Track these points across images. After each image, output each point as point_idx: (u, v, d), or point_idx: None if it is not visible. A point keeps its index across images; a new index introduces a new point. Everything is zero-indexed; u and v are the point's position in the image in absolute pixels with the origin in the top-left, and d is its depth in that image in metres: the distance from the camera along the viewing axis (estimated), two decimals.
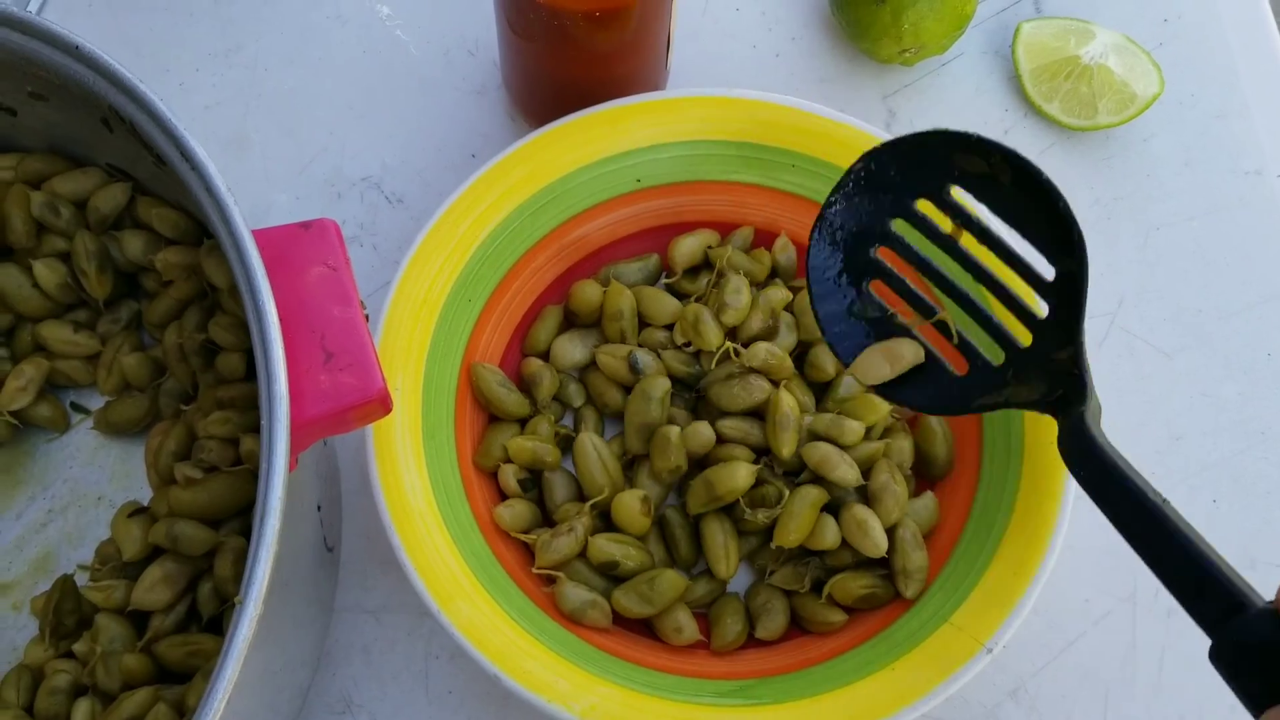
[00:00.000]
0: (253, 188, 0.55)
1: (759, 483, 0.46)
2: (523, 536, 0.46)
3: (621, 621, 0.45)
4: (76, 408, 0.51)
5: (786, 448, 0.45)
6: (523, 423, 0.48)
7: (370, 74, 0.58)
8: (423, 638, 0.47)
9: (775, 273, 0.51)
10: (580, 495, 0.47)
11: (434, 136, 0.56)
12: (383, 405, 0.39)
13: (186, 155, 0.41)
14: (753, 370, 0.47)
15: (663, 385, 0.46)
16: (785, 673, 0.43)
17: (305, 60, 0.58)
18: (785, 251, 0.51)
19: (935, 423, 0.48)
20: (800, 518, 0.44)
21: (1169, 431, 0.52)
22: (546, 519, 0.47)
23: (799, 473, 0.47)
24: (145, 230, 0.50)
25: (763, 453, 0.47)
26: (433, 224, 0.47)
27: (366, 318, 0.41)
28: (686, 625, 0.45)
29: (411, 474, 0.44)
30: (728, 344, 0.48)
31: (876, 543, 0.44)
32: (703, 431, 0.46)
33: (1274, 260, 0.54)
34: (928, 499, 0.47)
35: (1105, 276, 0.54)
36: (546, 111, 0.52)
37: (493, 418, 0.48)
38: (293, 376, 0.39)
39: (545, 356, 0.50)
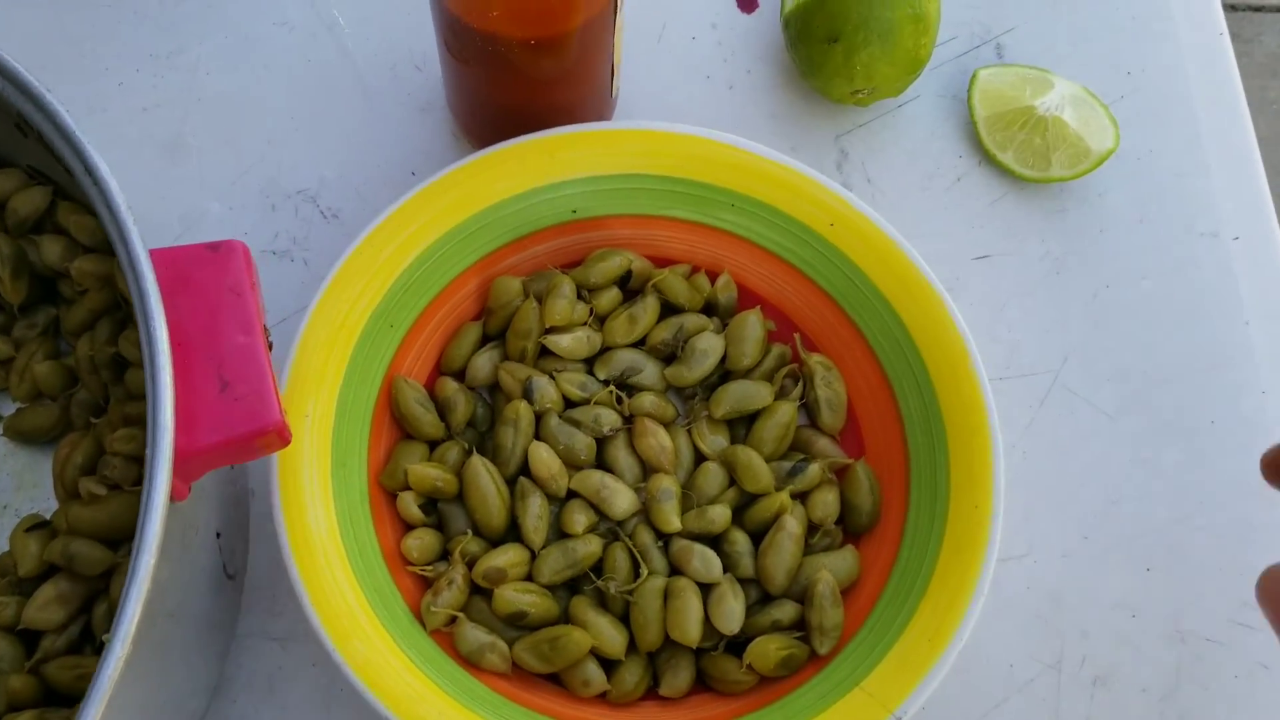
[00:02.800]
0: (186, 195, 0.54)
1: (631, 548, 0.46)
2: (425, 571, 0.44)
3: None
4: None
5: (667, 524, 0.44)
6: (434, 445, 0.47)
7: (314, 84, 0.56)
8: (328, 669, 0.46)
9: (714, 310, 0.50)
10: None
11: (375, 152, 0.55)
12: (280, 437, 0.38)
13: (89, 169, 0.39)
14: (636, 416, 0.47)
15: (526, 415, 0.46)
16: None
17: (249, 66, 0.56)
18: (727, 291, 0.50)
19: (862, 473, 0.47)
20: (648, 611, 0.44)
21: (1106, 495, 0.51)
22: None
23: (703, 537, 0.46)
24: (64, 236, 0.48)
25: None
26: (354, 247, 0.46)
27: (270, 345, 0.40)
28: (594, 679, 0.43)
29: (316, 504, 0.43)
30: (613, 389, 0.47)
31: (727, 619, 0.43)
32: (546, 459, 0.46)
33: (1225, 325, 0.53)
34: (848, 553, 0.45)
35: (1051, 333, 0.53)
36: (488, 134, 0.51)
37: (407, 436, 0.47)
38: (185, 404, 0.37)
39: (462, 376, 0.48)
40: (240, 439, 0.37)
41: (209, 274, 0.40)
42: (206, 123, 0.55)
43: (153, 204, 0.54)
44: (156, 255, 0.40)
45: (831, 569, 0.45)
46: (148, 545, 0.34)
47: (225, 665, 0.46)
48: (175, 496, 0.38)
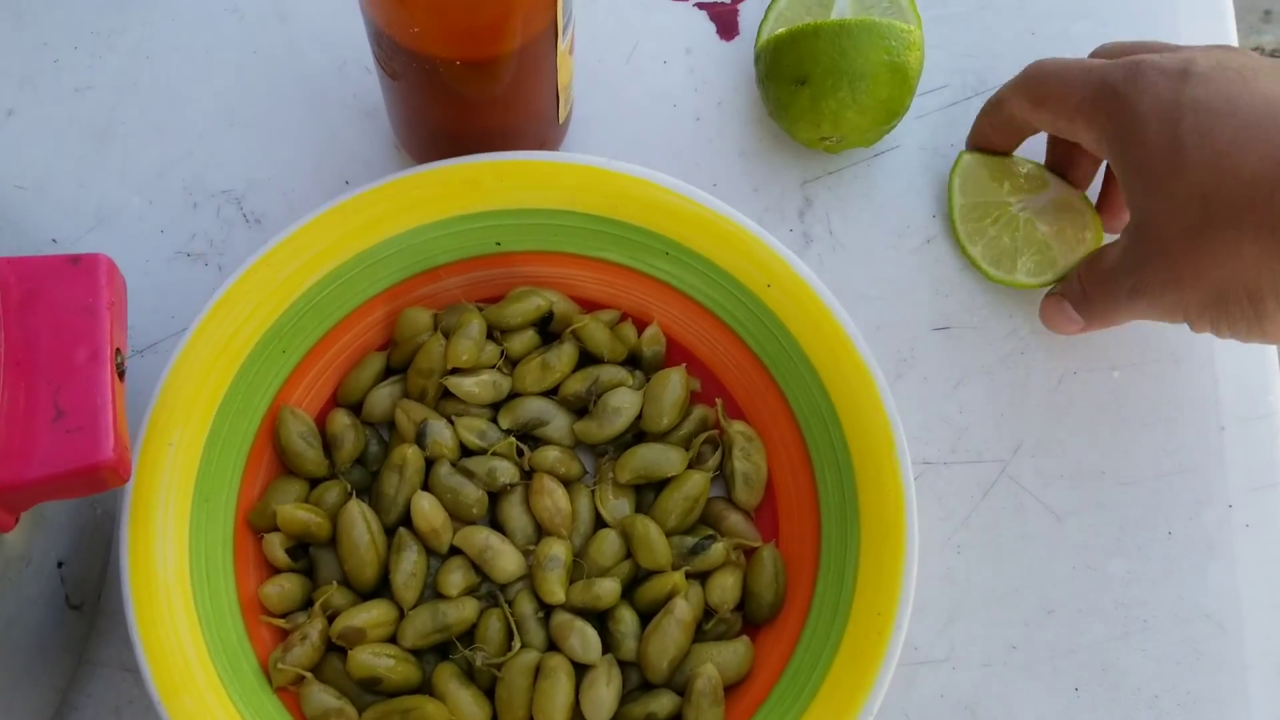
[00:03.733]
0: (106, 185, 0.51)
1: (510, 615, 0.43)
2: (281, 623, 0.42)
3: None
4: None
5: (550, 594, 0.41)
6: (316, 483, 0.44)
7: (257, 78, 0.53)
8: None
9: (638, 363, 0.47)
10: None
11: (311, 155, 0.52)
12: (116, 474, 0.35)
13: None
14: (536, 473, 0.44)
15: (414, 461, 0.43)
16: None
17: (191, 52, 0.54)
18: (654, 344, 0.47)
19: (769, 559, 0.43)
20: (514, 689, 0.40)
21: (1042, 603, 0.47)
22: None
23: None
24: None
25: None
26: (251, 264, 0.43)
27: (122, 373, 0.37)
28: None
29: (168, 541, 0.40)
30: (514, 440, 0.44)
31: (596, 708, 0.40)
32: (428, 512, 0.43)
33: (1197, 429, 0.49)
34: (740, 645, 0.42)
35: (1005, 418, 0.49)
36: (425, 150, 0.48)
37: (288, 471, 0.44)
38: (16, 432, 0.35)
39: (359, 409, 0.45)
40: (71, 473, 0.35)
41: (65, 290, 0.37)
42: (139, 109, 0.53)
43: (70, 192, 0.51)
44: (8, 263, 0.37)
45: (719, 662, 0.41)
46: None
47: (72, 694, 0.43)
48: (0, 528, 0.36)
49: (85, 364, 0.36)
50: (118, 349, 0.37)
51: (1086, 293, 0.46)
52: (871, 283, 0.51)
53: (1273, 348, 0.51)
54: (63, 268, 0.37)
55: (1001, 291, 0.51)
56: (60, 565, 0.40)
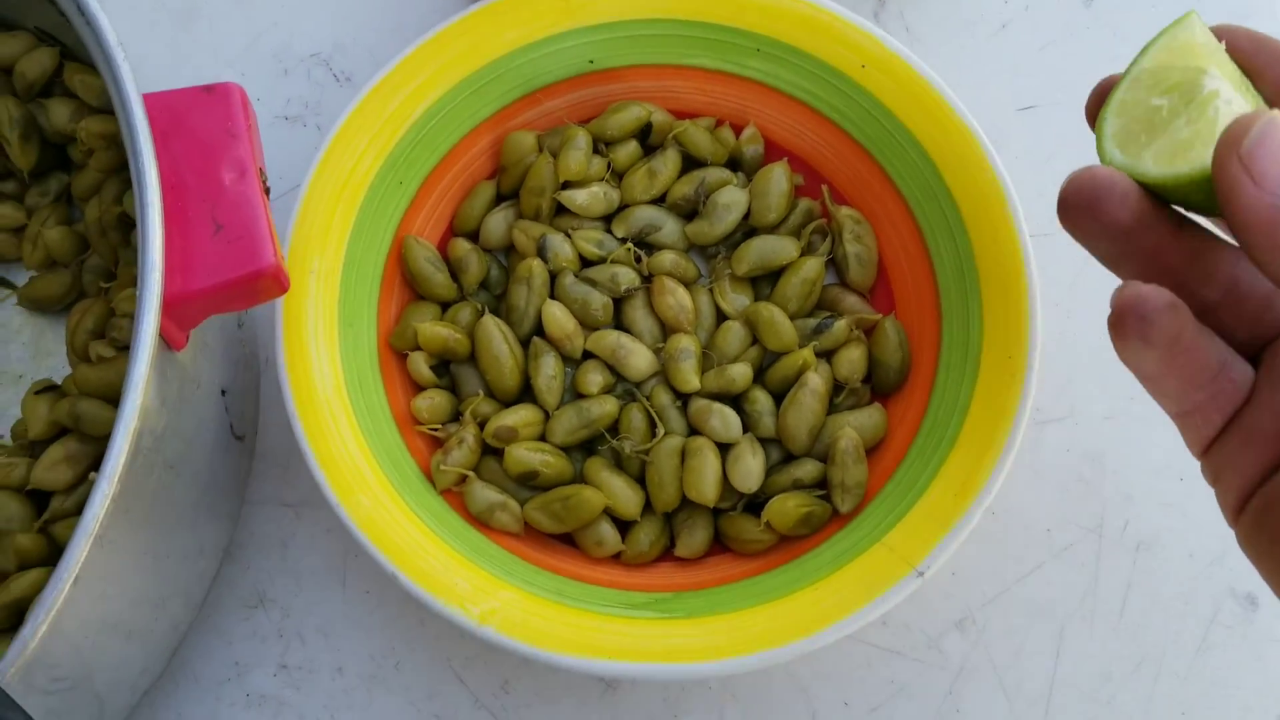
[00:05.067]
0: (199, 62, 0.53)
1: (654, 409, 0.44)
2: (434, 432, 0.43)
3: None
4: (2, 283, 0.49)
5: (685, 383, 0.43)
6: (446, 307, 0.45)
7: None
8: (343, 536, 0.45)
9: (739, 165, 0.48)
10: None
11: (390, 13, 0.53)
12: (276, 281, 0.37)
13: (81, 7, 0.38)
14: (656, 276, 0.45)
15: (540, 274, 0.45)
16: (704, 588, 0.41)
17: None
18: (753, 144, 0.48)
19: (891, 328, 0.44)
20: (664, 471, 0.42)
21: None
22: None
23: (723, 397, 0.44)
24: (73, 99, 0.47)
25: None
26: (359, 100, 0.44)
27: (268, 190, 0.39)
28: (608, 538, 0.42)
29: (322, 360, 0.42)
30: (631, 247, 0.45)
31: (745, 477, 0.42)
32: (561, 319, 0.44)
33: None
34: (874, 411, 0.43)
35: None
36: None
37: (418, 297, 0.46)
38: (179, 247, 0.36)
39: (476, 237, 0.47)
40: (235, 282, 0.36)
41: (204, 117, 0.39)
42: None
43: (164, 74, 0.53)
44: (150, 99, 0.39)
45: (856, 426, 0.43)
46: (135, 382, 0.33)
47: (236, 530, 0.45)
48: (173, 345, 0.37)
49: (235, 182, 0.37)
50: (260, 168, 0.38)
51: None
52: (952, 71, 0.51)
53: None
54: (199, 97, 0.39)
55: (1082, 63, 0.51)
56: (224, 393, 0.41)
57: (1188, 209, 0.30)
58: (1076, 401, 0.47)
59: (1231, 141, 0.26)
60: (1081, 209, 0.30)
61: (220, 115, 0.39)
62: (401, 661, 0.44)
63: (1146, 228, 0.29)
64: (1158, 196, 0.29)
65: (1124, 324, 0.28)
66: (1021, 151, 0.50)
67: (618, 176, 0.47)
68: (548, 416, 0.44)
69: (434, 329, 0.44)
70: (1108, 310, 0.47)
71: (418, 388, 0.45)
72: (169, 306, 0.35)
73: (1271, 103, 0.30)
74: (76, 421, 0.41)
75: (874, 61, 0.45)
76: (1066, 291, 0.49)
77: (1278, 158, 0.25)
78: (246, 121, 0.39)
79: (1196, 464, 0.46)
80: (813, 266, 0.45)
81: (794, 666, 0.44)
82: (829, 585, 0.39)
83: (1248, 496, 0.29)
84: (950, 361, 0.43)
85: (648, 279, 0.46)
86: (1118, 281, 0.48)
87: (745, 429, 0.43)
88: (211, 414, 0.41)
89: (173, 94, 0.39)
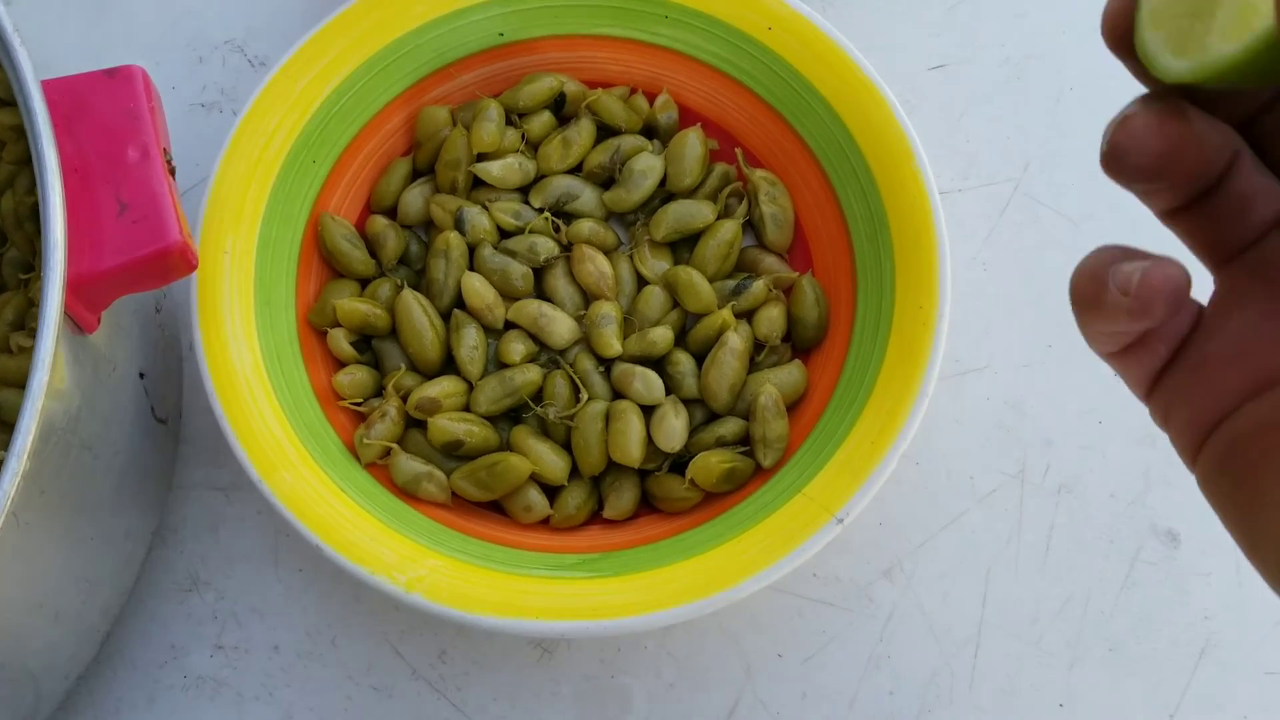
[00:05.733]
0: (112, 52, 0.53)
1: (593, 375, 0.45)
2: (357, 407, 0.43)
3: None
4: None
5: (607, 348, 0.43)
6: (366, 283, 0.46)
7: None
8: (273, 516, 0.46)
9: (654, 132, 0.48)
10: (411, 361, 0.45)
11: None
12: (184, 259, 0.37)
13: None
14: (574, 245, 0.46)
15: (458, 246, 0.45)
16: (631, 547, 0.41)
17: None
18: (667, 111, 0.48)
19: (808, 286, 0.45)
20: (589, 435, 0.43)
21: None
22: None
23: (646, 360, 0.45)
24: None
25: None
26: (269, 79, 0.45)
27: (173, 170, 0.39)
28: (536, 504, 0.43)
29: (239, 339, 0.42)
30: (549, 217, 0.46)
31: (668, 437, 0.42)
32: (480, 290, 0.44)
33: None
34: (794, 367, 0.44)
35: (1012, 140, 0.51)
36: None
37: (337, 274, 0.46)
38: (85, 229, 0.36)
39: (394, 214, 0.47)
40: (142, 261, 0.36)
41: (107, 100, 0.39)
42: None
43: (77, 64, 0.52)
44: (51, 84, 0.39)
45: (777, 383, 0.43)
46: (41, 360, 0.33)
47: (167, 515, 0.45)
48: (84, 327, 0.37)
49: (138, 162, 0.38)
50: (164, 148, 0.38)
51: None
52: (865, 34, 0.52)
53: None
54: (102, 81, 0.39)
55: (991, 22, 0.52)
56: (142, 376, 0.41)
57: (1264, 82, 0.24)
58: (995, 351, 0.48)
59: None
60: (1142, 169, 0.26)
61: (123, 98, 0.38)
62: (338, 637, 0.44)
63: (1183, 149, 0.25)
64: (1221, 91, 0.26)
65: (1152, 307, 0.24)
66: (935, 109, 0.51)
67: (533, 147, 0.47)
68: (471, 387, 0.44)
69: (352, 305, 0.44)
70: (1022, 263, 0.47)
71: (339, 364, 0.45)
72: (76, 287, 0.35)
73: None
74: None
75: (780, 23, 0.46)
76: (982, 245, 0.49)
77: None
78: (149, 103, 0.39)
79: (1115, 407, 0.47)
80: (730, 229, 0.46)
81: (727, 621, 0.44)
82: (752, 536, 0.39)
83: (1206, 434, 0.26)
84: (866, 316, 0.44)
85: (567, 248, 0.46)
86: (1031, 228, 0.49)
87: (668, 391, 0.44)
88: (129, 396, 0.41)
89: (75, 79, 0.39)
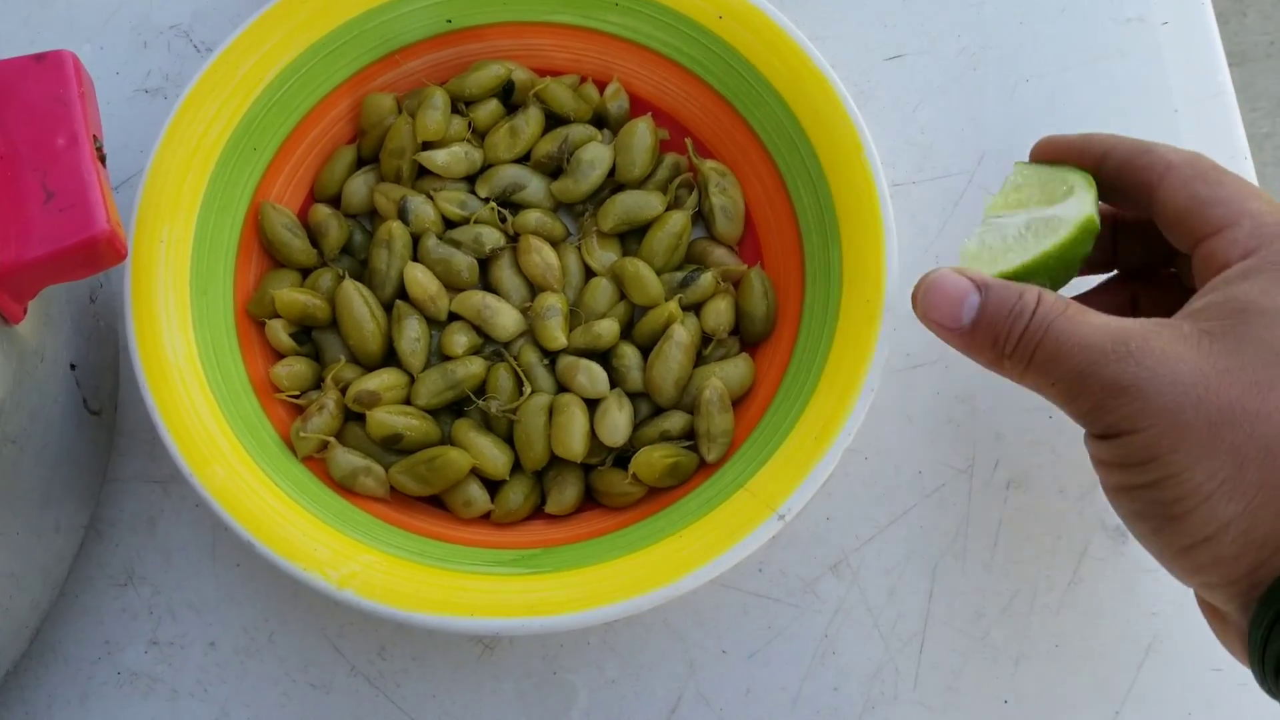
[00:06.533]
0: (54, 37, 0.52)
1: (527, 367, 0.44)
2: (295, 399, 0.43)
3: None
4: None
5: (552, 340, 0.43)
6: (308, 273, 0.45)
7: None
8: (211, 510, 0.45)
9: (604, 122, 0.48)
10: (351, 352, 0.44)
11: None
12: (112, 249, 0.36)
13: None
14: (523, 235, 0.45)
15: (401, 236, 0.44)
16: (572, 543, 0.41)
17: None
18: (617, 100, 0.47)
19: (756, 279, 0.44)
20: (532, 429, 0.42)
21: None
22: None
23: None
24: None
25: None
26: (209, 64, 0.44)
27: (103, 157, 0.38)
28: (476, 499, 0.42)
29: (174, 329, 0.41)
30: (495, 207, 0.45)
31: (611, 431, 0.42)
32: (423, 281, 0.44)
33: (1151, 115, 0.50)
34: (741, 361, 0.44)
35: (966, 132, 0.50)
36: None
37: (278, 264, 0.45)
38: (9, 217, 0.36)
39: (338, 202, 0.46)
40: (69, 250, 0.36)
41: (36, 86, 0.38)
42: None
43: (21, 48, 0.51)
44: None
45: (723, 377, 0.43)
46: None
47: (101, 508, 0.44)
48: (9, 318, 0.37)
49: (66, 149, 0.37)
50: (94, 135, 0.38)
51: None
52: (819, 21, 0.52)
53: (1215, 35, 0.52)
54: (29, 66, 0.38)
55: (949, 11, 0.52)
56: (74, 368, 0.41)
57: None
58: (946, 345, 0.47)
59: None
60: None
61: (52, 83, 0.38)
62: (275, 633, 0.43)
63: None
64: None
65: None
66: (889, 101, 0.51)
67: (480, 136, 0.47)
68: (412, 380, 0.43)
69: (291, 295, 0.43)
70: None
71: (278, 356, 0.44)
72: (0, 277, 0.35)
73: (1096, 172, 0.40)
74: None
75: (730, 12, 0.45)
76: (935, 238, 0.49)
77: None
78: (79, 89, 0.38)
79: None
80: (678, 220, 0.45)
81: (671, 617, 0.44)
82: (692, 532, 0.39)
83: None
84: (813, 309, 0.43)
85: (513, 238, 0.46)
86: (978, 222, 0.48)
87: (613, 384, 0.43)
88: (59, 388, 0.40)
89: (2, 64, 0.38)
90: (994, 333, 0.36)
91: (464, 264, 0.44)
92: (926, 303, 0.37)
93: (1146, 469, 0.32)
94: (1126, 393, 0.33)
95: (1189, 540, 0.32)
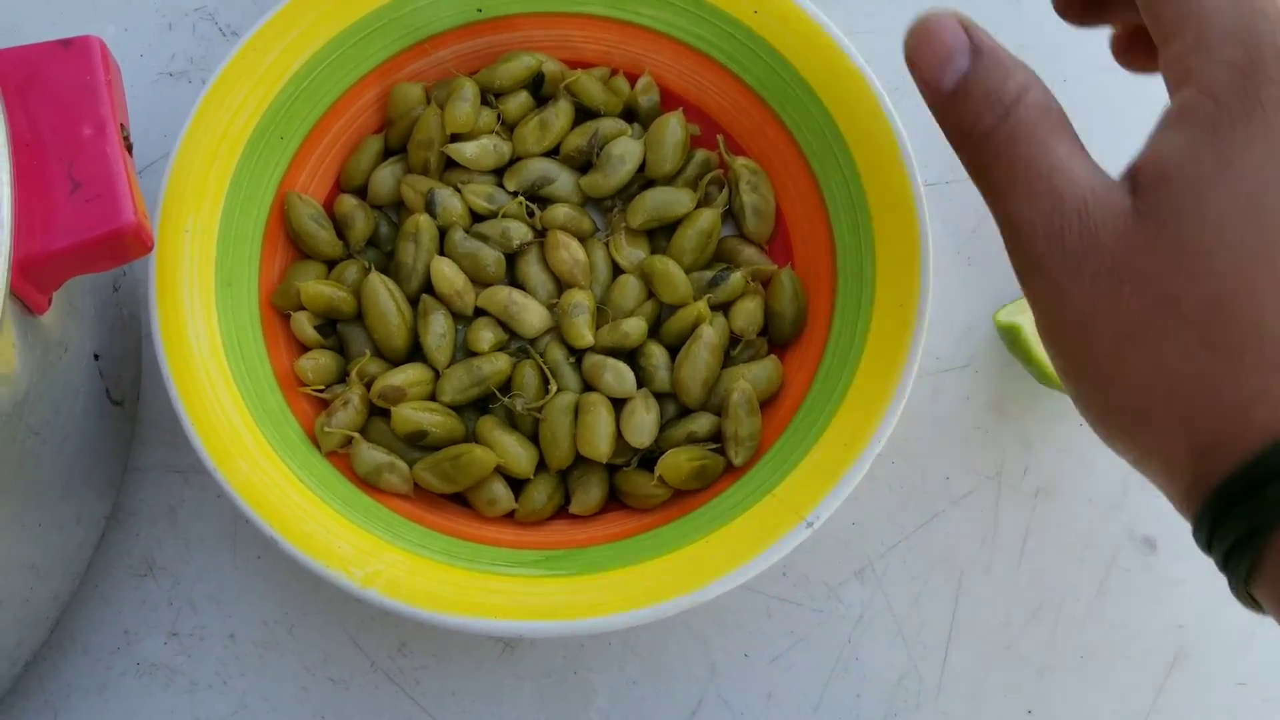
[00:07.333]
0: (79, 20, 0.51)
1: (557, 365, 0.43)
2: (319, 393, 0.42)
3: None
4: None
5: (579, 338, 0.42)
6: (333, 265, 0.44)
7: None
8: (235, 505, 0.44)
9: (634, 116, 0.47)
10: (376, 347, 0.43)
11: None
12: (139, 240, 0.36)
13: None
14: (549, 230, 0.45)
15: (428, 229, 0.43)
16: (596, 544, 0.40)
17: None
18: (649, 94, 0.47)
19: (786, 280, 0.44)
20: (557, 428, 0.41)
21: None
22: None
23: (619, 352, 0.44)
24: None
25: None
26: (236, 51, 0.43)
27: (130, 146, 0.37)
28: (501, 497, 0.42)
29: (198, 321, 0.40)
30: (523, 201, 0.44)
31: (638, 432, 0.41)
32: (450, 275, 0.43)
33: None
34: (769, 363, 0.43)
35: None
36: None
37: (303, 255, 0.45)
38: (35, 207, 0.35)
39: (364, 193, 0.46)
40: (94, 241, 0.35)
41: (62, 72, 0.37)
42: None
43: (44, 30, 0.51)
44: (2, 54, 0.37)
45: (751, 379, 0.42)
46: None
47: (122, 497, 0.44)
48: (33, 309, 0.36)
49: (93, 138, 0.36)
50: (121, 123, 0.37)
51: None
52: (853, 18, 0.51)
53: None
54: (56, 51, 0.37)
55: (988, 9, 0.50)
56: (97, 358, 0.40)
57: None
58: (976, 349, 0.47)
59: None
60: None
61: (79, 70, 0.37)
62: (295, 626, 0.43)
63: None
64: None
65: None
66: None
67: (509, 129, 0.46)
68: (438, 375, 0.43)
69: (317, 287, 0.42)
70: (1008, 259, 0.46)
71: (303, 348, 0.44)
72: (24, 268, 0.34)
73: None
74: None
75: (766, 6, 0.44)
76: (967, 239, 0.48)
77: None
78: (107, 76, 0.37)
79: None
80: (708, 218, 0.45)
81: (694, 620, 0.43)
82: (718, 538, 0.39)
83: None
84: (845, 312, 0.42)
85: (541, 233, 0.45)
86: None
87: (640, 384, 0.43)
88: (83, 379, 0.39)
89: (28, 49, 0.37)
90: (968, 112, 0.32)
91: (491, 258, 0.44)
92: (915, 48, 0.32)
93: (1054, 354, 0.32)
94: (1044, 276, 0.30)
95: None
